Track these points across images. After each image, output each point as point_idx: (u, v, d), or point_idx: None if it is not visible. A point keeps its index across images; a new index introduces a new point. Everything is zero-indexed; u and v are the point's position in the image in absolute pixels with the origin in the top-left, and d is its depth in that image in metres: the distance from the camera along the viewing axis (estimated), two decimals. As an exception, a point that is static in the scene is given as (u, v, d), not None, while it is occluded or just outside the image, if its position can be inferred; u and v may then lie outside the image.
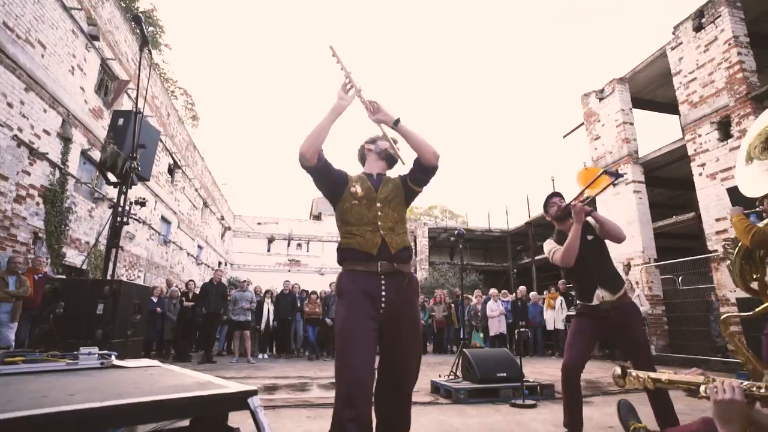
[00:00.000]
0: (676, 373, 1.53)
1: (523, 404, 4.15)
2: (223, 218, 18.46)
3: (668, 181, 10.09)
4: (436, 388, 4.95)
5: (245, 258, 20.81)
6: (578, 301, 2.85)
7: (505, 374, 4.73)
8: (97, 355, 1.84)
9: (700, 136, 7.84)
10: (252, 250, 21.12)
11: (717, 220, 7.36)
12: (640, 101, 10.46)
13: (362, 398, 1.63)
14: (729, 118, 7.33)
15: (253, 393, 1.36)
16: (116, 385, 1.36)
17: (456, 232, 6.10)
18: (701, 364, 7.26)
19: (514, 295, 10.79)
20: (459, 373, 5.26)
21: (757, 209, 2.91)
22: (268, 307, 9.12)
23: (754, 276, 2.73)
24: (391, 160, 2.11)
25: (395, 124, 1.91)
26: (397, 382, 1.86)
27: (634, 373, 1.56)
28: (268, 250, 21.61)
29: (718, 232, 7.40)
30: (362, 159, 2.23)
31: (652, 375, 1.53)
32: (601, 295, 2.64)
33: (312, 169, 1.91)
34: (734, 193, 6.09)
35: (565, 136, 12.66)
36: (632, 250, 9.19)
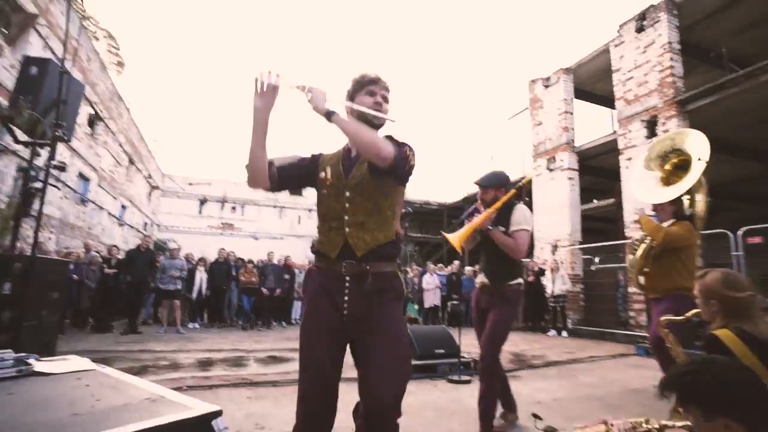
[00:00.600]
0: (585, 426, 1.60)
1: (459, 380, 4.35)
2: (150, 177, 16.99)
3: (597, 170, 10.84)
4: (376, 364, 5.02)
5: (174, 219, 19.49)
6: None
7: (443, 351, 4.90)
8: (12, 360, 1.57)
9: (630, 132, 8.44)
10: (182, 211, 19.80)
11: (636, 211, 8.07)
12: (580, 92, 10.98)
13: (314, 401, 1.53)
14: (656, 118, 7.94)
15: (218, 414, 1.23)
16: (45, 410, 1.16)
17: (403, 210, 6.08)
18: (608, 336, 8.13)
19: (450, 268, 11.24)
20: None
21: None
22: (201, 275, 8.67)
23: (645, 270, 3.16)
24: (371, 126, 1.57)
25: (328, 117, 1.49)
26: (370, 409, 1.49)
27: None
28: (200, 212, 20.40)
29: (635, 221, 8.14)
30: None
31: None
32: (481, 280, 2.95)
33: (275, 189, 1.65)
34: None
35: (510, 119, 13.06)
36: (561, 233, 9.87)
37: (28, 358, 1.59)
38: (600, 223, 14.95)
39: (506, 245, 2.72)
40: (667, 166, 3.33)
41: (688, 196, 3.22)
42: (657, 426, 1.44)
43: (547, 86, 10.81)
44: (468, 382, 4.35)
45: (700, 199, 3.19)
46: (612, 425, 1.44)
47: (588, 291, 9.25)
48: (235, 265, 9.42)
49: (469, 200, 20.26)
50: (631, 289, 8.15)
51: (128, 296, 7.55)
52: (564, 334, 8.64)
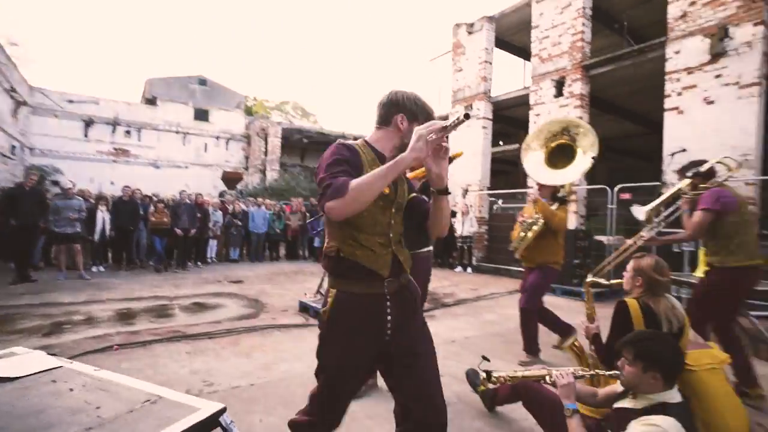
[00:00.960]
0: (526, 370, 2.08)
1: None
2: (14, 90, 14.11)
3: (509, 119, 11.62)
4: (305, 308, 5.26)
5: (52, 143, 16.72)
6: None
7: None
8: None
9: (541, 89, 9.11)
10: (62, 133, 16.97)
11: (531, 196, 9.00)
12: (500, 41, 11.33)
13: (340, 414, 1.61)
14: (564, 79, 8.65)
15: (223, 410, 1.36)
16: (51, 426, 1.17)
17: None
18: (504, 272, 9.36)
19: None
20: (323, 291, 5.68)
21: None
22: (103, 215, 7.90)
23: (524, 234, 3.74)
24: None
25: (441, 192, 1.46)
26: (431, 420, 1.49)
27: (496, 374, 2.05)
28: (86, 136, 17.74)
29: (533, 200, 9.10)
30: (386, 122, 1.58)
31: (510, 374, 2.04)
32: None
33: None
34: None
35: (432, 60, 13.09)
36: (472, 178, 10.66)
37: (-13, 361, 1.51)
38: (505, 165, 16.37)
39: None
40: (552, 144, 3.74)
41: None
42: (593, 372, 1.93)
43: (470, 33, 10.95)
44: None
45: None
46: (553, 371, 1.90)
47: (491, 232, 10.34)
48: (142, 204, 8.71)
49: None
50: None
51: (16, 242, 6.66)
52: (469, 270, 9.71)
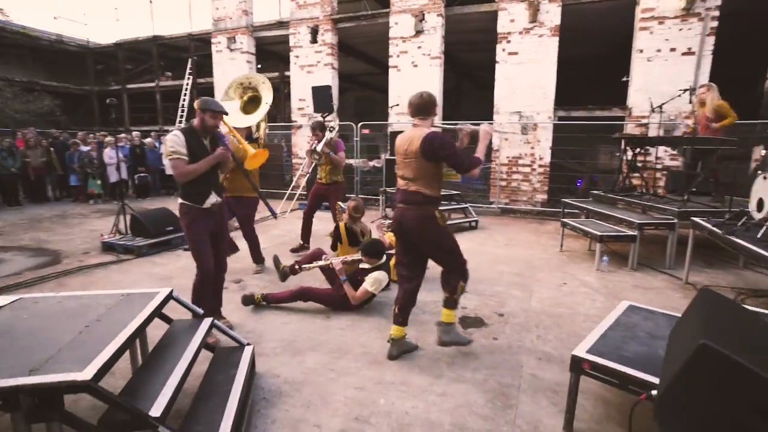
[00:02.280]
0: (322, 261, 3.86)
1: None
2: None
3: (273, 55, 12.47)
4: (110, 247, 5.63)
5: None
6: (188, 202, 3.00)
7: (171, 227, 6.09)
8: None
9: (299, 33, 10.39)
10: None
11: (299, 99, 10.59)
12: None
13: None
14: (318, 28, 10.17)
15: (172, 291, 2.53)
16: (57, 325, 2.15)
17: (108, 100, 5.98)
18: (275, 195, 11.03)
19: (130, 141, 10.97)
20: (122, 230, 6.07)
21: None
22: None
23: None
24: None
25: None
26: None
27: (305, 266, 3.80)
28: None
29: (299, 108, 10.72)
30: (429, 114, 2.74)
31: (309, 266, 3.85)
32: (213, 200, 3.07)
33: None
34: (318, 92, 9.12)
35: (184, -23, 12.18)
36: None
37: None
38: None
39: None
40: (245, 98, 4.33)
41: (256, 125, 4.54)
42: (355, 258, 3.77)
43: (228, -41, 10.92)
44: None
45: (263, 128, 4.71)
46: (331, 261, 3.70)
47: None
48: None
49: (123, 47, 17.75)
50: (294, 160, 11.10)
51: None
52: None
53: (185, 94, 14.71)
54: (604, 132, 7.53)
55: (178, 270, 4.87)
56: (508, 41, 8.44)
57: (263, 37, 11.41)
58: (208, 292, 3.09)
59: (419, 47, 9.17)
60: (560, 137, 8.55)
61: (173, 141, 2.84)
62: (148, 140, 11.43)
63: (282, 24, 10.85)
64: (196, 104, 2.99)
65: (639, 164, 6.62)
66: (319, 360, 2.85)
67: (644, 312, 2.69)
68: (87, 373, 1.57)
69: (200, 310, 2.64)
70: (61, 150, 10.00)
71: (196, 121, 2.99)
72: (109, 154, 9.85)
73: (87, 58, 20.29)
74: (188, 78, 14.89)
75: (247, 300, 3.76)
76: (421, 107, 2.72)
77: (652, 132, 7.55)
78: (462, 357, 2.91)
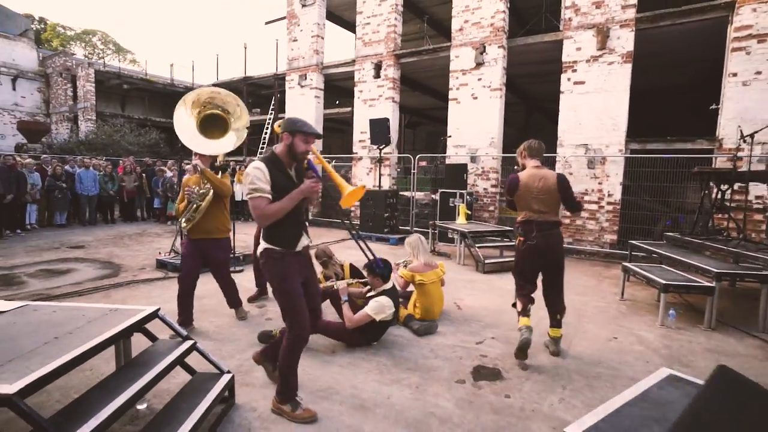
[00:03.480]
0: (328, 282, 3.73)
1: (235, 270, 6.04)
2: None
3: (339, 89, 13.11)
4: (163, 265, 6.07)
5: None
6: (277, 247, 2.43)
7: (221, 250, 6.37)
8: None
9: (363, 69, 10.78)
10: None
11: (361, 132, 10.85)
12: (331, 14, 12.51)
13: None
14: (381, 64, 10.47)
15: (158, 310, 2.55)
16: (54, 328, 2.23)
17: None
18: (335, 224, 11.23)
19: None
20: (177, 250, 6.50)
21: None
22: None
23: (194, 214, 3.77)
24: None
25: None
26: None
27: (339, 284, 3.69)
28: None
29: (360, 141, 10.98)
30: None
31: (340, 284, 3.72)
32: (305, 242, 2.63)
33: None
34: (375, 124, 9.30)
35: (267, 23, 13.47)
36: (308, 143, 11.99)
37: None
38: (338, 124, 18.19)
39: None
40: (205, 112, 3.82)
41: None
42: (353, 281, 3.62)
43: (304, 5, 11.82)
44: (242, 270, 6.07)
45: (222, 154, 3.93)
46: (336, 283, 3.54)
47: (324, 191, 11.99)
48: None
49: (218, 86, 19.83)
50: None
51: None
52: (306, 224, 11.26)
53: (267, 127, 15.94)
54: (688, 167, 6.60)
55: (212, 290, 5.00)
56: (574, 70, 7.92)
57: (332, 74, 12.02)
58: (297, 358, 2.48)
59: (479, 79, 8.98)
60: (635, 172, 7.67)
61: (255, 176, 2.29)
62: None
63: (349, 62, 11.40)
64: (278, 126, 2.43)
65: (729, 203, 5.66)
66: (301, 398, 2.66)
67: (689, 386, 2.11)
68: (14, 387, 1.56)
69: (183, 332, 2.61)
70: (150, 176, 11.23)
71: (280, 147, 2.43)
72: (188, 181, 10.81)
73: (191, 97, 23.10)
74: (271, 112, 16.16)
75: (265, 337, 3.55)
76: (540, 151, 3.48)
77: (752, 167, 6.45)
78: (459, 412, 2.54)
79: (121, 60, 34.65)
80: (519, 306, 3.40)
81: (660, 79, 10.74)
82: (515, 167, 4.08)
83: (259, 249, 2.47)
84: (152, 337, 2.56)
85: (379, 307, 3.32)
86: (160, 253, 6.51)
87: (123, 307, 2.55)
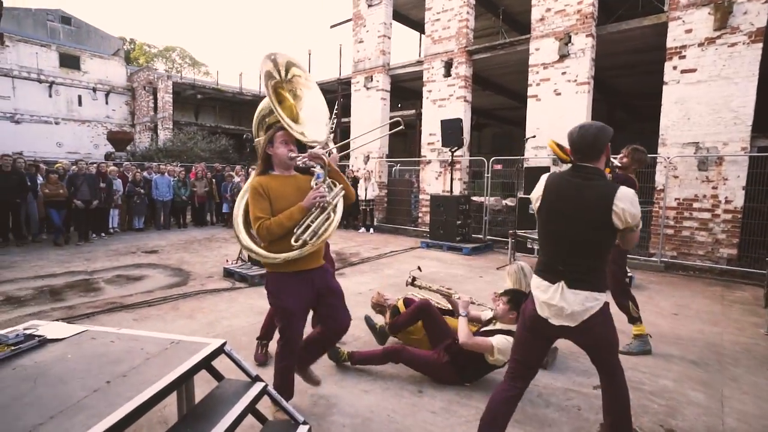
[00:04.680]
0: (440, 285, 3.22)
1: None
2: None
3: (405, 90, 12.67)
4: (230, 274, 5.91)
5: None
6: None
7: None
8: (22, 335, 2.05)
9: (433, 68, 10.23)
10: None
11: (430, 134, 10.30)
12: (397, 14, 12.11)
13: None
14: (452, 61, 9.86)
15: (224, 344, 2.17)
16: (119, 363, 1.89)
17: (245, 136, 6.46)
18: (402, 231, 10.76)
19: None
20: (244, 258, 6.31)
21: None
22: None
23: None
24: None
25: None
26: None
27: (418, 282, 3.17)
28: None
29: (429, 143, 10.43)
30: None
31: (428, 284, 3.22)
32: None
33: None
34: (447, 125, 8.69)
35: (332, 27, 13.36)
36: (372, 146, 11.65)
37: (36, 327, 2.11)
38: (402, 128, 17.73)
39: None
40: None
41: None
42: (477, 302, 3.05)
43: (370, 5, 11.52)
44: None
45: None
46: (456, 292, 3.00)
47: (390, 195, 11.60)
48: (27, 173, 8.13)
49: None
50: (421, 195, 10.75)
51: None
52: (371, 230, 10.91)
53: (331, 130, 15.89)
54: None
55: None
56: (682, 56, 6.80)
57: (398, 75, 11.60)
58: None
59: (563, 73, 8.08)
60: (761, 174, 6.42)
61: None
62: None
63: (416, 62, 10.91)
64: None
65: None
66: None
67: None
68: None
69: (253, 372, 2.20)
70: (219, 181, 11.45)
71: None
72: (255, 186, 10.87)
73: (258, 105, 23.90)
74: (334, 117, 16.09)
75: (334, 356, 3.19)
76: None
77: None
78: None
79: (196, 72, 36.96)
80: (635, 311, 3.49)
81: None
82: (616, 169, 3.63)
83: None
84: (217, 375, 2.17)
85: (506, 348, 2.65)
86: (227, 260, 6.39)
87: (186, 339, 2.19)
